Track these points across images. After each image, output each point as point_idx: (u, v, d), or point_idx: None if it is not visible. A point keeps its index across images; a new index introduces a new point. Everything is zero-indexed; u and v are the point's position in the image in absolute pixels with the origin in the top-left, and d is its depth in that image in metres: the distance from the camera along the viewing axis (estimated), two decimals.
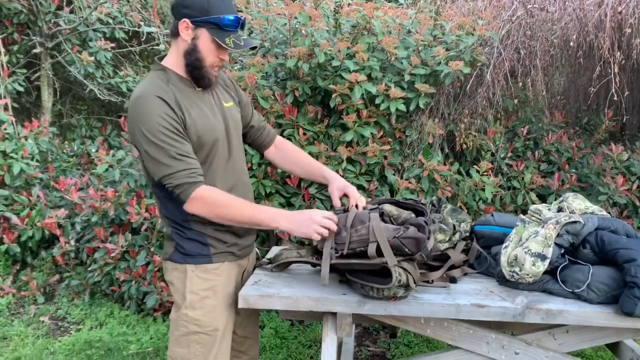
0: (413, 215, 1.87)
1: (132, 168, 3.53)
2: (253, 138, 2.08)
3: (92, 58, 4.74)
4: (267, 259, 2.02)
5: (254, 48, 1.99)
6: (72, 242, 3.64)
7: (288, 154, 2.12)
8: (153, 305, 3.33)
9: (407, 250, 1.71)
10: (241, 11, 1.80)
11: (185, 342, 1.79)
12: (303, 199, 3.20)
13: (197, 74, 1.75)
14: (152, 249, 3.36)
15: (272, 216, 1.73)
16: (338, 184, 1.98)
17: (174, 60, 1.76)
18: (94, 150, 4.48)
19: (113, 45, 4.90)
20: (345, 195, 1.95)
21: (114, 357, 3.06)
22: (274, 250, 2.30)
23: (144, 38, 5.06)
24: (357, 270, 1.77)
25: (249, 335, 2.08)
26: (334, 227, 1.71)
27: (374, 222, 1.71)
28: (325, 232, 1.71)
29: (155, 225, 3.29)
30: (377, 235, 1.68)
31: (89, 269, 3.53)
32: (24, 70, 4.83)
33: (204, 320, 1.78)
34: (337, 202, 1.94)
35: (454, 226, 2.01)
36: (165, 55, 1.82)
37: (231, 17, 1.71)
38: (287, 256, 1.92)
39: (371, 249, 1.68)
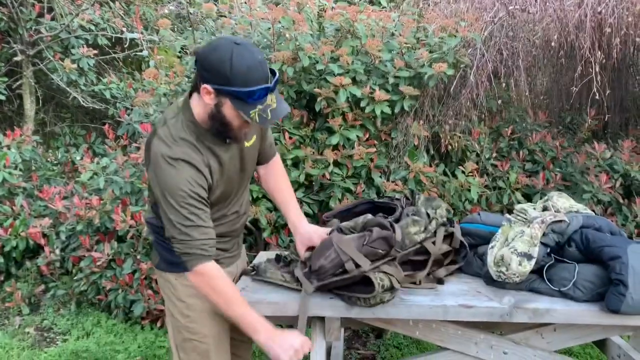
0: (369, 216, 1.88)
1: (117, 175, 3.50)
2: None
3: (75, 65, 4.69)
4: (252, 267, 2.00)
5: None
6: (57, 252, 3.59)
7: (271, 177, 2.05)
8: (140, 314, 3.30)
9: (380, 251, 1.72)
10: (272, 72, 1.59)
11: (184, 348, 1.81)
12: None
13: (224, 136, 1.66)
14: (138, 257, 3.33)
15: (256, 327, 1.64)
16: (302, 237, 1.93)
17: (202, 115, 1.63)
18: (78, 158, 4.43)
19: (96, 52, 4.85)
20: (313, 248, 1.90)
21: None
22: (262, 257, 2.28)
23: (127, 44, 5.02)
24: (341, 285, 1.77)
25: (243, 338, 2.07)
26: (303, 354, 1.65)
27: (335, 238, 1.73)
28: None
29: (141, 233, 3.26)
30: (346, 251, 1.68)
31: (75, 278, 3.49)
32: (5, 79, 4.77)
33: (193, 327, 1.78)
34: (302, 254, 1.91)
35: (429, 214, 1.99)
36: (192, 90, 1.66)
37: (256, 89, 1.52)
38: (272, 277, 1.90)
39: (349, 266, 1.68)
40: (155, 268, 1.83)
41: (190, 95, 1.67)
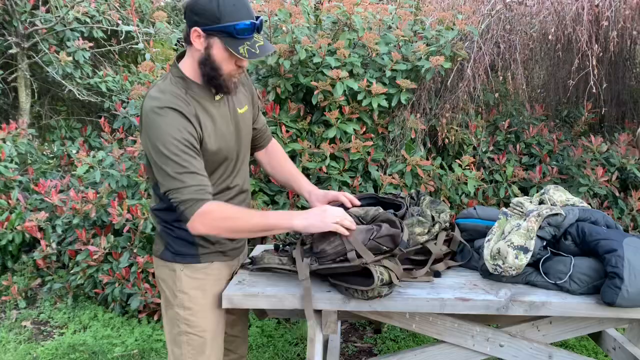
0: (380, 209, 1.89)
1: (113, 169, 3.49)
2: (252, 138, 2.03)
3: (70, 58, 4.66)
4: (250, 258, 2.00)
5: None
6: (54, 245, 3.59)
7: (274, 160, 2.11)
8: (137, 307, 3.30)
9: (384, 248, 1.72)
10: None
11: (179, 342, 1.79)
12: (287, 197, 3.19)
13: (214, 83, 1.68)
14: (135, 251, 3.33)
15: (285, 217, 1.68)
16: (317, 197, 1.98)
17: (190, 68, 1.68)
18: (74, 151, 4.42)
19: (91, 44, 4.82)
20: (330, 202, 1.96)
21: None
22: (258, 249, 2.29)
23: (122, 37, 4.99)
24: (340, 273, 1.76)
25: (239, 334, 2.08)
26: (349, 224, 1.68)
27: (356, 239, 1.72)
28: (342, 229, 1.66)
29: (138, 227, 3.25)
30: (351, 241, 1.69)
31: (72, 271, 3.49)
32: (0, 71, 4.74)
33: (194, 320, 1.77)
34: None
35: (433, 217, 2.00)
36: (182, 54, 1.73)
37: (245, 23, 1.59)
38: (269, 261, 1.89)
39: (351, 255, 1.68)
40: (158, 258, 1.82)
41: (178, 59, 1.73)
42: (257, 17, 1.64)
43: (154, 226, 1.87)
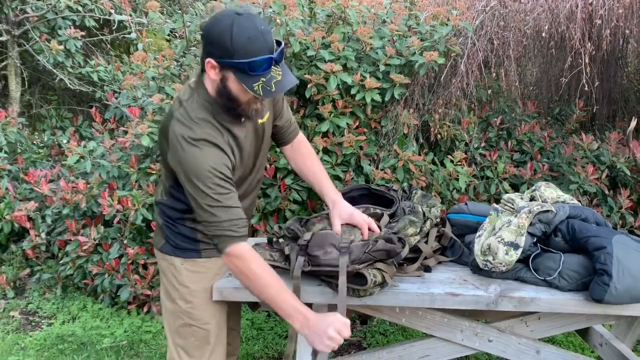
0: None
1: (103, 159, 3.47)
2: (274, 134, 1.97)
3: (62, 47, 4.60)
4: None
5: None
6: (43, 235, 3.56)
7: (298, 156, 2.01)
8: (127, 299, 3.29)
9: (378, 259, 1.74)
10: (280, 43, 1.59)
11: (183, 334, 1.80)
12: (279, 190, 3.18)
13: (234, 114, 1.62)
14: (125, 242, 3.31)
15: (291, 313, 1.58)
16: (340, 212, 1.85)
17: (213, 94, 1.61)
18: (64, 141, 4.38)
19: (83, 33, 4.76)
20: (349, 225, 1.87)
21: (87, 352, 3.02)
22: (250, 242, 2.28)
23: (115, 26, 4.95)
24: (332, 275, 1.77)
25: (234, 326, 2.09)
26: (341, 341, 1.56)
27: (342, 259, 1.70)
28: (334, 347, 1.56)
29: (128, 218, 3.24)
30: (340, 268, 1.68)
31: (61, 262, 3.47)
32: None
33: (195, 313, 1.78)
34: (337, 229, 1.84)
35: (424, 213, 2.01)
36: (203, 68, 1.61)
37: (262, 58, 1.49)
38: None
39: (343, 261, 1.68)
40: (159, 251, 1.81)
41: (202, 72, 1.64)
42: (279, 44, 1.56)
43: (155, 218, 1.84)
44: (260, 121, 1.76)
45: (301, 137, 2.04)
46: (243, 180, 1.78)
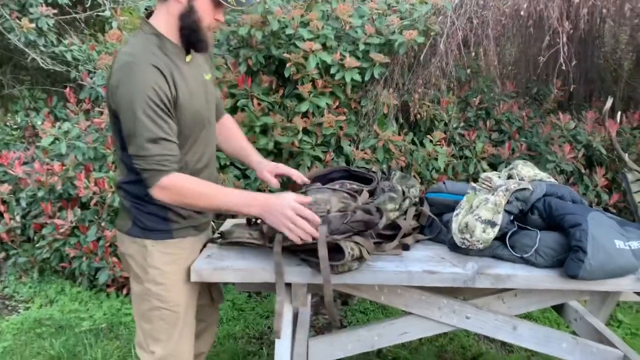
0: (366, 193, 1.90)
1: (79, 141, 3.40)
2: None
3: (33, 25, 4.46)
4: (219, 233, 1.98)
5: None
6: (18, 218, 3.49)
7: (225, 130, 2.04)
8: (106, 281, 3.26)
9: (356, 230, 1.73)
10: None
11: (149, 317, 1.75)
12: None
13: (194, 37, 1.62)
14: (102, 224, 3.27)
15: (245, 201, 1.62)
16: (268, 168, 1.98)
17: (164, 24, 1.62)
18: (39, 122, 4.27)
19: (55, 11, 4.63)
20: (278, 175, 1.99)
21: (66, 335, 2.99)
22: (228, 224, 2.26)
23: (88, 4, 4.81)
24: (310, 249, 1.75)
25: (206, 302, 2.06)
26: (309, 229, 1.60)
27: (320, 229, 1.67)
28: (297, 238, 1.59)
29: (106, 200, 3.19)
30: (319, 238, 1.65)
31: (37, 245, 3.41)
32: None
33: (167, 295, 1.73)
34: (274, 182, 1.96)
35: (404, 192, 2.01)
36: (149, 13, 1.66)
37: None
38: (239, 235, 1.87)
39: (322, 230, 1.66)
40: (126, 235, 1.75)
41: (147, 17, 1.67)
42: None
43: (120, 202, 1.78)
44: (205, 77, 1.77)
45: (228, 115, 2.09)
46: (202, 131, 1.74)
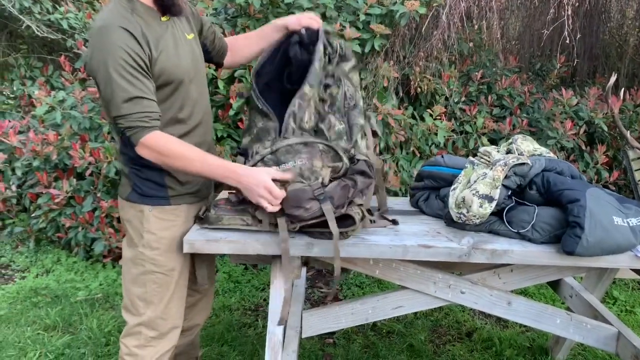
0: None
1: (74, 110, 3.36)
2: (213, 54, 1.99)
3: None
4: (201, 216, 1.85)
5: None
6: (14, 188, 3.47)
7: (237, 45, 2.02)
8: (101, 252, 3.26)
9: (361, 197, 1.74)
10: None
11: (142, 281, 1.76)
12: None
13: (166, 1, 1.64)
14: (98, 195, 3.25)
15: (223, 172, 1.64)
16: (289, 24, 1.87)
17: None
18: (35, 91, 4.22)
19: None
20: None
21: (62, 304, 2.99)
22: (224, 194, 2.23)
23: None
24: (316, 224, 1.73)
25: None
26: (276, 203, 1.63)
27: (325, 207, 1.66)
28: (268, 206, 1.62)
29: (101, 170, 3.16)
30: (327, 216, 1.65)
31: (33, 215, 3.40)
32: None
33: (161, 260, 1.75)
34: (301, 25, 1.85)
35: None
36: None
37: None
38: (230, 223, 1.81)
39: (327, 208, 1.66)
40: (125, 200, 1.77)
41: None
42: None
43: (121, 169, 1.79)
44: (187, 36, 1.76)
45: (231, 38, 2.06)
46: (186, 87, 1.73)
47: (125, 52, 1.53)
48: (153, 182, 1.73)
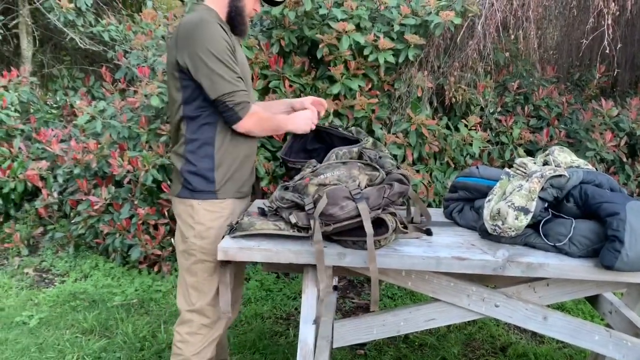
0: (389, 160, 1.94)
1: (114, 119, 3.45)
2: None
3: (72, 5, 4.55)
4: (232, 226, 1.85)
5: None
6: (55, 195, 3.59)
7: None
8: (137, 258, 3.33)
9: (396, 203, 1.79)
10: None
11: (194, 271, 1.91)
12: None
13: (238, 20, 1.89)
14: (135, 202, 3.33)
15: (287, 121, 1.98)
16: (298, 104, 2.16)
17: (215, 6, 1.88)
18: (77, 101, 4.37)
19: None
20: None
21: (99, 309, 3.07)
22: (257, 204, 2.26)
23: None
24: (348, 229, 1.74)
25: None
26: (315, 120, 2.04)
27: (361, 205, 1.71)
28: (312, 125, 2.02)
29: (139, 178, 3.24)
30: (362, 215, 1.68)
31: (73, 221, 3.50)
32: (1, 17, 4.65)
33: (211, 248, 1.87)
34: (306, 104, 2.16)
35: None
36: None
37: None
38: (263, 228, 1.82)
39: (363, 207, 1.69)
40: (176, 197, 1.93)
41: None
42: None
43: (174, 167, 1.96)
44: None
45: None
46: (249, 89, 1.94)
47: (225, 41, 1.78)
48: (202, 177, 1.88)
